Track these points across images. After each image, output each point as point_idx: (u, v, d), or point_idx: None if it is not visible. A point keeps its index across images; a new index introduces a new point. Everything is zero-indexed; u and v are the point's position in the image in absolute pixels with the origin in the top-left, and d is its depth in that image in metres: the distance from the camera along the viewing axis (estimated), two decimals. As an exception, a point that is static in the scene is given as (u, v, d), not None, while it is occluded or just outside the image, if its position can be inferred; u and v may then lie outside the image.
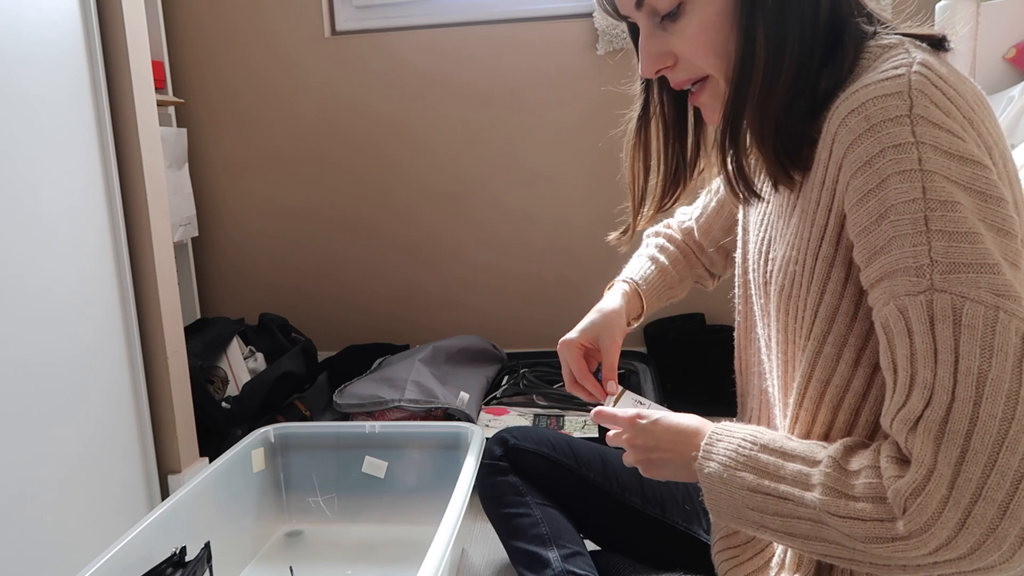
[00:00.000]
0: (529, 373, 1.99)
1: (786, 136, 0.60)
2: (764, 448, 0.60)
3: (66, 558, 1.20)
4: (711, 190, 0.97)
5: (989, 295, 0.46)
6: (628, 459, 0.73)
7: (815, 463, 0.56)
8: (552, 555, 0.97)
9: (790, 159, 0.61)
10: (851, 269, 0.57)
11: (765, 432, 0.62)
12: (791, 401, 0.65)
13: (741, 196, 0.65)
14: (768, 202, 0.71)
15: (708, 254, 0.99)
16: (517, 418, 1.75)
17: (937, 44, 0.58)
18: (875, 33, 0.60)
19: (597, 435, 1.63)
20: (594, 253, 2.20)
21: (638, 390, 1.88)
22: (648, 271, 0.97)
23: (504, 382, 1.96)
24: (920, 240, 0.48)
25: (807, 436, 0.63)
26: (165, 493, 1.46)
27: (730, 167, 0.64)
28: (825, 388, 0.61)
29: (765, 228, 0.71)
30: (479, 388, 1.85)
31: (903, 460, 0.50)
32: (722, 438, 0.63)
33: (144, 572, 1.04)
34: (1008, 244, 0.49)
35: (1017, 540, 0.45)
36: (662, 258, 0.98)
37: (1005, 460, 0.45)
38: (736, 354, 0.85)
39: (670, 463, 0.68)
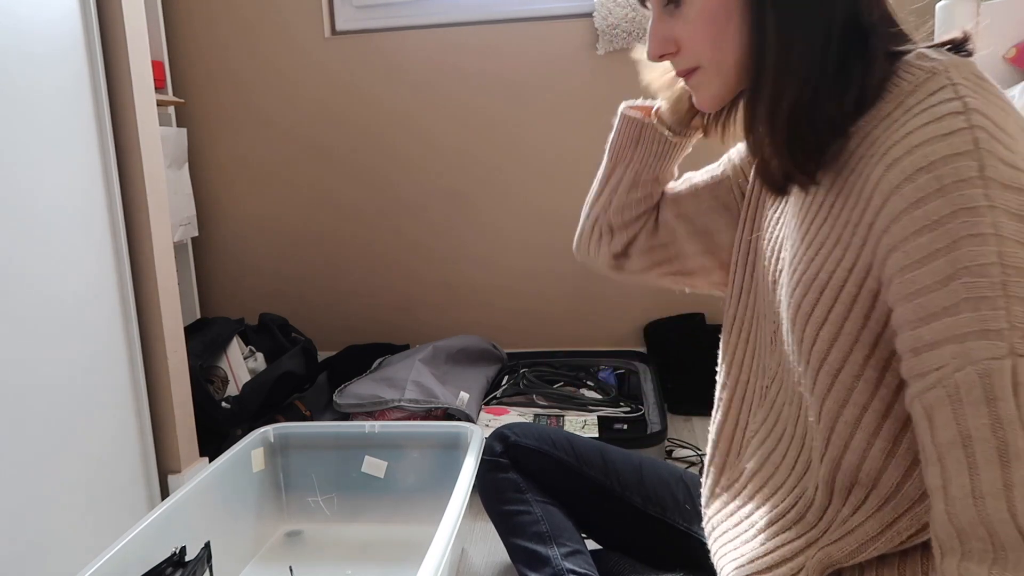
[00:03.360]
0: (529, 373, 1.99)
1: (802, 134, 0.61)
2: None
3: (66, 558, 1.20)
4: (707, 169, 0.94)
5: None
6: None
7: None
8: (552, 553, 0.97)
9: (805, 158, 0.62)
10: (871, 313, 0.57)
11: None
12: (811, 419, 0.65)
13: (774, 188, 0.67)
14: (785, 202, 0.72)
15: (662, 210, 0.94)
16: (517, 418, 1.75)
17: (959, 48, 0.59)
18: (905, 50, 0.60)
19: (597, 435, 1.63)
20: (594, 253, 2.20)
21: (638, 390, 1.88)
22: None
23: (504, 382, 1.96)
24: (999, 304, 0.47)
25: (839, 459, 0.62)
26: (165, 493, 1.46)
27: (758, 162, 0.67)
28: (842, 407, 0.61)
29: (781, 227, 0.72)
30: (479, 388, 1.86)
31: (996, 556, 0.45)
32: None
33: (144, 572, 1.04)
34: None
35: None
36: None
37: None
38: (724, 340, 0.84)
39: None
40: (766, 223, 0.76)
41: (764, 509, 0.71)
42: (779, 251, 0.71)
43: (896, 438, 0.59)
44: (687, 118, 0.85)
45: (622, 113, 0.90)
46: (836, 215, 0.61)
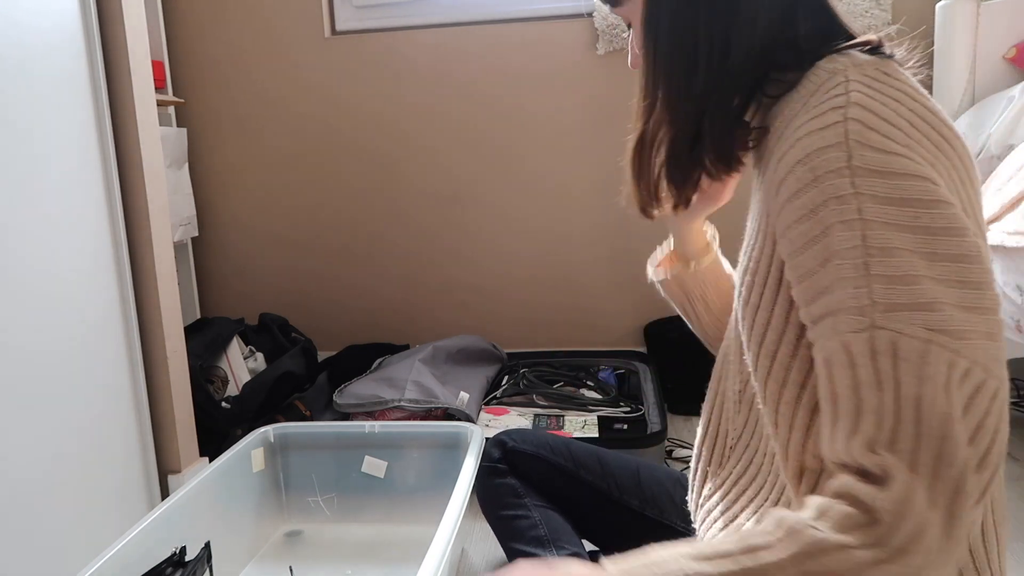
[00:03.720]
0: (529, 373, 1.99)
1: (681, 168, 0.69)
2: (697, 556, 0.55)
3: (66, 558, 1.20)
4: None
5: (923, 331, 0.51)
6: None
7: (766, 531, 0.53)
8: (551, 556, 0.97)
9: (683, 174, 0.70)
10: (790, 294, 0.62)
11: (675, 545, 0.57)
12: (759, 398, 0.68)
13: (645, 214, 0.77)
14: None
15: None
16: (517, 418, 1.75)
17: (875, 51, 0.62)
18: (823, 48, 0.64)
19: (597, 435, 1.63)
20: (595, 253, 2.20)
21: (638, 390, 1.88)
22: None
23: (504, 382, 1.96)
24: (861, 283, 0.53)
25: (787, 442, 0.64)
26: (165, 493, 1.46)
27: (638, 197, 0.76)
28: (782, 389, 0.64)
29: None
30: (479, 388, 1.86)
31: (870, 481, 0.52)
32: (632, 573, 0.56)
33: (145, 572, 1.04)
34: (967, 267, 0.53)
35: (956, 541, 0.50)
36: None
37: (944, 471, 0.50)
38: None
39: None
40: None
41: (748, 511, 0.72)
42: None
43: None
44: (699, 241, 0.93)
45: (657, 283, 1.02)
46: (759, 208, 0.66)
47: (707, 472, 0.80)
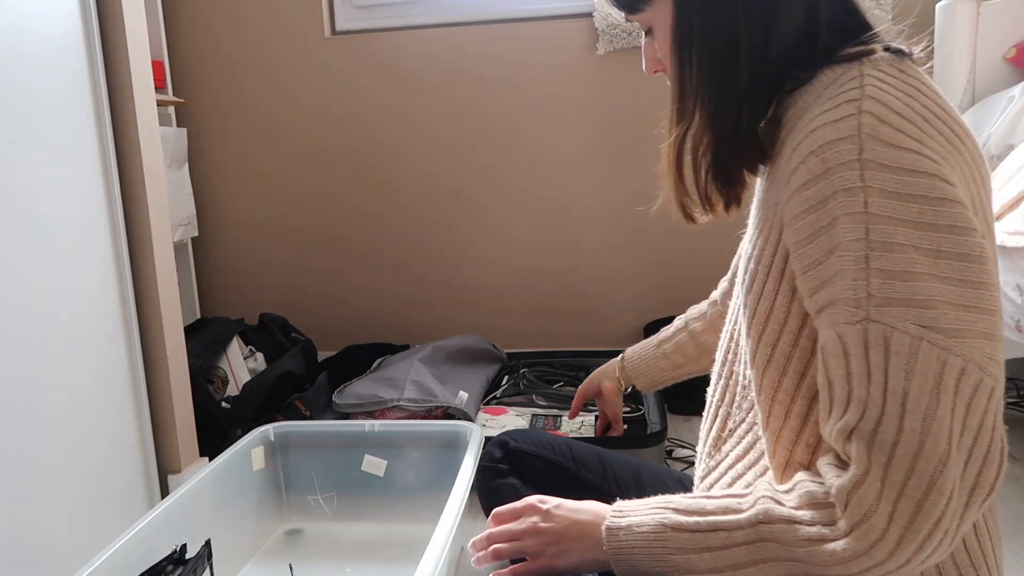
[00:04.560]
0: (529, 373, 1.99)
1: (724, 171, 0.68)
2: (683, 496, 0.65)
3: (66, 557, 1.20)
4: None
5: (915, 327, 0.53)
6: (526, 545, 0.71)
7: (743, 493, 0.61)
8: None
9: (729, 179, 0.69)
10: (794, 284, 0.63)
11: (672, 498, 0.65)
12: (756, 389, 0.68)
13: (685, 216, 0.73)
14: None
15: None
16: (515, 418, 1.75)
17: (899, 53, 0.62)
18: (842, 44, 0.64)
19: (594, 434, 1.63)
20: (594, 253, 2.20)
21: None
22: (647, 349, 1.21)
23: (504, 382, 1.96)
24: (860, 276, 0.54)
25: (781, 427, 0.65)
26: (165, 493, 1.46)
27: (680, 205, 0.73)
28: (782, 377, 0.65)
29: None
30: (478, 388, 1.86)
31: (840, 466, 0.56)
32: (626, 513, 0.66)
33: (145, 569, 1.04)
34: (968, 266, 0.54)
35: (925, 536, 0.52)
36: (677, 336, 1.17)
37: (922, 466, 0.51)
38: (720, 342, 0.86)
39: (579, 537, 0.69)
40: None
41: None
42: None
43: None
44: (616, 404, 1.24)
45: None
46: (764, 196, 0.67)
47: (705, 453, 0.81)
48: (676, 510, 0.62)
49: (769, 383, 0.65)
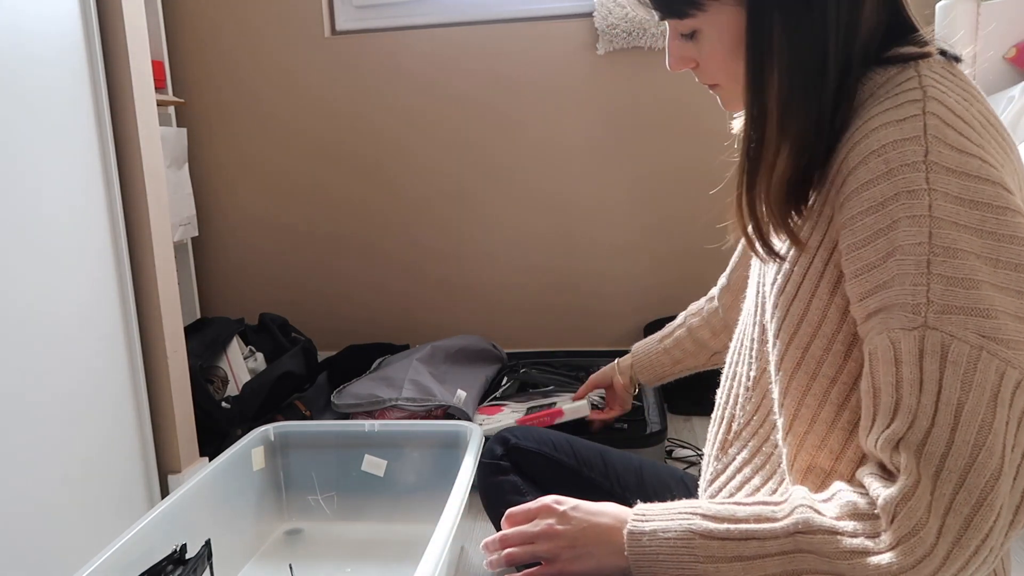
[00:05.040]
0: (528, 373, 1.99)
1: (798, 192, 0.62)
2: (712, 501, 0.62)
3: (67, 557, 1.20)
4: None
5: (975, 336, 0.51)
6: (542, 548, 0.68)
7: (778, 501, 0.58)
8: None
9: (798, 207, 0.63)
10: (837, 287, 0.60)
11: (699, 502, 0.63)
12: (784, 399, 0.66)
13: (761, 255, 0.66)
14: None
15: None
16: (510, 415, 1.74)
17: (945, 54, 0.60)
18: (890, 44, 0.61)
19: (588, 419, 1.60)
20: (595, 253, 2.20)
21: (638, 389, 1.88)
22: (651, 344, 1.23)
23: (504, 382, 1.96)
24: (921, 281, 0.52)
25: (806, 432, 0.64)
26: (165, 493, 1.46)
27: (750, 233, 0.65)
28: (811, 381, 0.63)
29: None
30: (478, 387, 1.85)
31: (887, 476, 0.54)
32: (650, 518, 0.63)
33: (145, 569, 1.04)
34: None
35: (972, 552, 0.50)
36: (676, 332, 1.19)
37: (973, 480, 0.50)
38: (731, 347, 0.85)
39: (599, 542, 0.66)
40: None
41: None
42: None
43: (857, 409, 0.61)
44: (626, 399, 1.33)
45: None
46: (812, 197, 0.63)
47: (712, 456, 0.80)
48: (705, 516, 0.59)
49: (797, 387, 0.63)
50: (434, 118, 2.19)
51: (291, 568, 1.29)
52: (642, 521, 0.63)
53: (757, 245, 0.65)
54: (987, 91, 1.72)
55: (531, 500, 1.04)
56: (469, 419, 1.65)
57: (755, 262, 0.73)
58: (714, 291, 1.14)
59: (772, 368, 0.66)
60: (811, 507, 0.56)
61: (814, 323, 0.62)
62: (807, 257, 0.62)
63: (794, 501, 0.57)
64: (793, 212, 0.63)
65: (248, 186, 2.32)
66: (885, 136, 0.55)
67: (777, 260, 0.66)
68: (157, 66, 2.03)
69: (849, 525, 0.54)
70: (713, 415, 0.82)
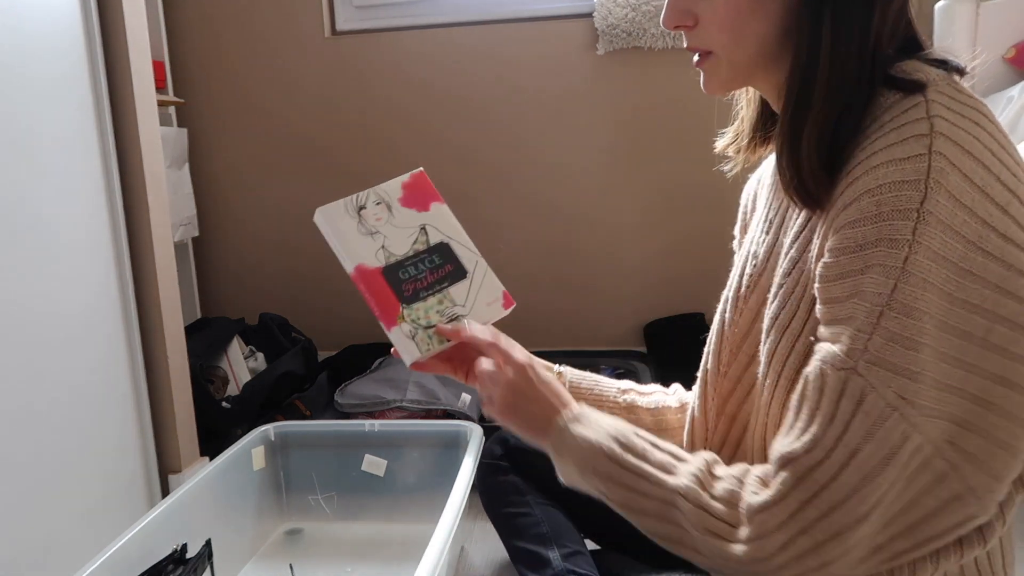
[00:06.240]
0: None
1: (836, 151, 0.59)
2: (636, 434, 0.67)
3: (67, 556, 1.20)
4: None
5: (894, 395, 0.52)
6: (492, 391, 0.74)
7: (684, 460, 0.64)
8: (553, 554, 0.97)
9: (819, 178, 0.60)
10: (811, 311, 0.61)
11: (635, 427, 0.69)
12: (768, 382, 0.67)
13: (799, 202, 0.63)
14: (767, 208, 0.73)
15: None
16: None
17: (951, 68, 0.59)
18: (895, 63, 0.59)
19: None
20: (595, 253, 2.20)
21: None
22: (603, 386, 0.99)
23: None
24: (866, 329, 0.53)
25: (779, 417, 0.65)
26: (165, 492, 1.46)
27: (790, 176, 0.62)
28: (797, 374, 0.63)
29: (762, 232, 0.73)
30: (479, 388, 1.85)
31: (766, 483, 0.58)
32: (583, 421, 0.69)
33: (146, 569, 1.04)
34: (986, 354, 0.52)
35: (809, 569, 0.54)
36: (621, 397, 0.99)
37: (837, 516, 0.53)
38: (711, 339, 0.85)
39: (534, 415, 0.72)
40: (752, 231, 0.77)
41: None
42: (756, 251, 0.73)
43: None
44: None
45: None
46: (808, 214, 0.63)
47: (692, 445, 0.82)
48: (622, 444, 0.65)
49: (787, 379, 0.64)
50: (434, 118, 2.19)
51: (291, 568, 1.29)
52: (574, 421, 0.69)
53: (797, 196, 0.62)
54: (986, 91, 1.72)
55: (530, 500, 1.05)
56: (470, 419, 1.65)
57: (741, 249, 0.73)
58: (671, 400, 1.03)
59: (764, 357, 0.67)
60: (701, 481, 0.61)
61: (803, 319, 0.63)
62: (802, 266, 0.63)
63: (693, 466, 0.62)
64: (830, 167, 0.59)
65: (248, 186, 2.31)
66: (884, 176, 0.53)
67: (813, 207, 0.62)
68: (157, 66, 2.03)
69: (721, 509, 0.58)
70: (691, 405, 0.85)
